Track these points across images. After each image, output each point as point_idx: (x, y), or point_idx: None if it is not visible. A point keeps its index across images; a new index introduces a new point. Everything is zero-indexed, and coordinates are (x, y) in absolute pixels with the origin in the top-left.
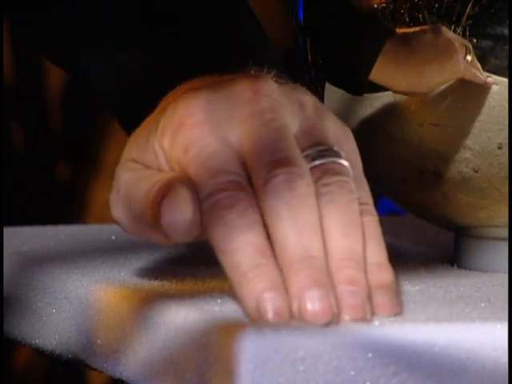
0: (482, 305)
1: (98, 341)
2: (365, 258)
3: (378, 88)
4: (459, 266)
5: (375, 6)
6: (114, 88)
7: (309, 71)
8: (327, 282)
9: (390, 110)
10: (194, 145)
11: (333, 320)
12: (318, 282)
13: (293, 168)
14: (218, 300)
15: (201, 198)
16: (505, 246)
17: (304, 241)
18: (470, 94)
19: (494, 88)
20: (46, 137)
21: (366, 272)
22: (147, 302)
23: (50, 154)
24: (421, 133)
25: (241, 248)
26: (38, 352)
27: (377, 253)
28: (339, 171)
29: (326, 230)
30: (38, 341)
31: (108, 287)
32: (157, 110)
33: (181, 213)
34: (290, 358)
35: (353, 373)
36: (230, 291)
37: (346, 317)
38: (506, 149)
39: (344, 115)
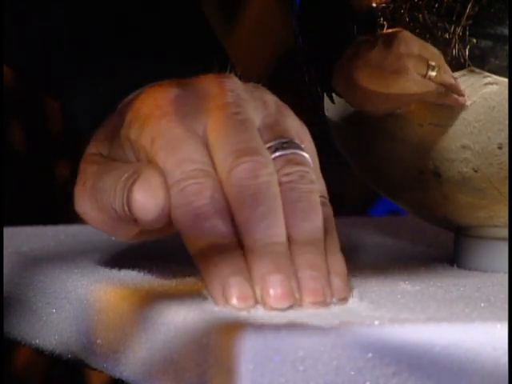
0: (482, 305)
1: (98, 341)
2: (324, 244)
3: None
4: (459, 266)
5: (375, 5)
6: (89, 115)
7: (309, 71)
8: (289, 266)
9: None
10: (161, 135)
11: (294, 304)
12: (280, 267)
13: (256, 157)
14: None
15: (169, 186)
16: (505, 246)
17: (266, 227)
18: (469, 93)
19: (494, 88)
20: (46, 137)
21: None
22: (147, 302)
23: (49, 154)
24: (421, 133)
25: (207, 234)
26: (38, 352)
27: (332, 241)
28: (300, 162)
29: (288, 217)
30: (37, 341)
31: (108, 287)
32: (121, 106)
33: (152, 197)
34: (290, 358)
35: (353, 373)
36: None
37: (307, 300)
38: (505, 149)
39: (344, 115)
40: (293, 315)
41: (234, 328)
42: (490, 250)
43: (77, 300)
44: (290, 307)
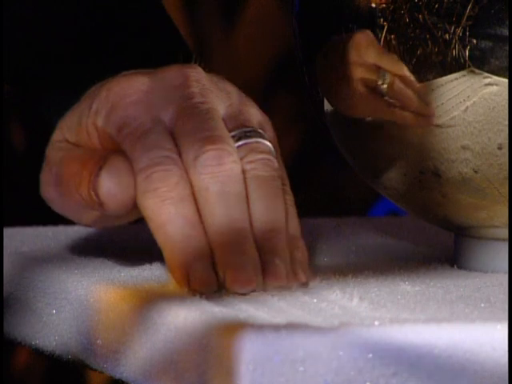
0: (482, 305)
1: (98, 341)
2: (286, 229)
3: None
4: (459, 267)
5: (375, 6)
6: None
7: (308, 71)
8: (253, 251)
9: None
10: (128, 123)
11: (258, 288)
12: (244, 252)
13: (221, 145)
14: (218, 300)
15: (135, 172)
16: (505, 247)
17: (231, 213)
18: (469, 94)
19: (494, 88)
20: (46, 137)
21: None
22: (147, 301)
23: None
24: (421, 133)
25: (172, 219)
26: (38, 352)
27: (294, 227)
28: (263, 150)
29: (252, 203)
30: (38, 341)
31: (108, 287)
32: (87, 94)
33: (119, 183)
34: (290, 358)
35: (353, 373)
36: (229, 292)
37: (270, 284)
38: (505, 149)
39: (344, 115)
40: (293, 315)
41: (234, 328)
42: (490, 250)
43: (77, 300)
44: (253, 291)
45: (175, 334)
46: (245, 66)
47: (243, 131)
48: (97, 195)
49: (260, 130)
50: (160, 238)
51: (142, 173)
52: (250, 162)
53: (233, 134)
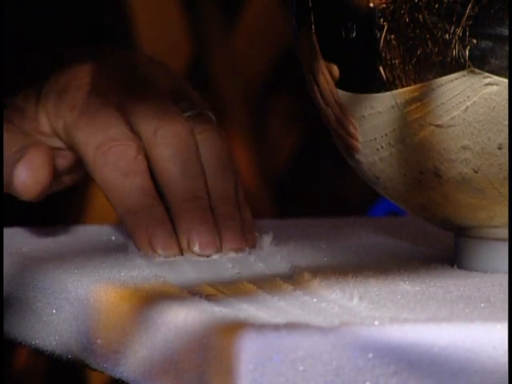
0: (482, 305)
1: (98, 341)
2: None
3: (377, 88)
4: (459, 267)
5: (375, 6)
6: None
7: (308, 71)
8: (211, 218)
9: (390, 110)
10: (80, 104)
11: (217, 251)
12: (204, 219)
13: (177, 119)
14: (218, 300)
15: (92, 148)
16: (505, 247)
17: (190, 182)
18: (469, 94)
19: (494, 88)
20: None
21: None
22: (147, 301)
23: None
24: (421, 133)
25: (132, 191)
26: (38, 352)
27: (241, 194)
28: (209, 120)
29: (206, 172)
30: (37, 341)
31: (108, 287)
32: (34, 87)
33: (33, 176)
34: (290, 358)
35: (353, 373)
36: (230, 291)
37: (227, 247)
38: (505, 149)
39: (344, 116)
40: (293, 314)
41: (234, 328)
42: (490, 250)
43: (77, 300)
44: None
45: (175, 334)
46: (245, 66)
47: (189, 104)
48: (13, 185)
49: (201, 104)
50: (121, 209)
51: (100, 148)
52: (199, 132)
53: (180, 106)
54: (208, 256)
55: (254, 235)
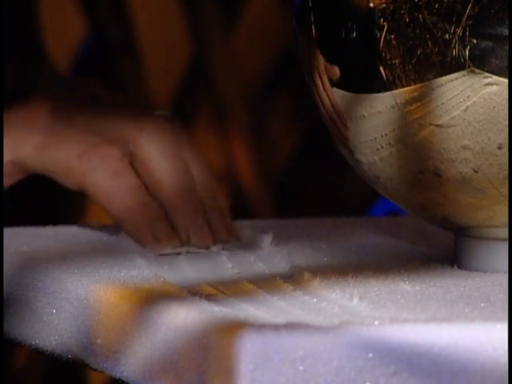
0: (482, 305)
1: (98, 341)
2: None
3: (377, 88)
4: (459, 266)
5: (375, 6)
6: None
7: (308, 71)
8: (203, 211)
9: (390, 110)
10: (48, 125)
11: (214, 243)
12: (198, 212)
13: (154, 118)
14: (218, 300)
15: (74, 159)
16: (505, 246)
17: (181, 178)
18: (469, 93)
19: (494, 88)
20: None
21: None
22: (147, 301)
23: None
24: (421, 133)
25: (126, 190)
26: (38, 352)
27: (221, 192)
28: (173, 119)
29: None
30: (37, 341)
31: (108, 287)
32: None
33: None
34: (290, 358)
35: (353, 373)
36: (230, 291)
37: (221, 239)
38: (505, 149)
39: (344, 116)
40: (293, 314)
41: (234, 328)
42: (490, 250)
43: (77, 300)
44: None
45: (175, 334)
46: (245, 66)
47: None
48: None
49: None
50: (117, 208)
51: (83, 156)
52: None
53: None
54: (207, 248)
55: (234, 226)
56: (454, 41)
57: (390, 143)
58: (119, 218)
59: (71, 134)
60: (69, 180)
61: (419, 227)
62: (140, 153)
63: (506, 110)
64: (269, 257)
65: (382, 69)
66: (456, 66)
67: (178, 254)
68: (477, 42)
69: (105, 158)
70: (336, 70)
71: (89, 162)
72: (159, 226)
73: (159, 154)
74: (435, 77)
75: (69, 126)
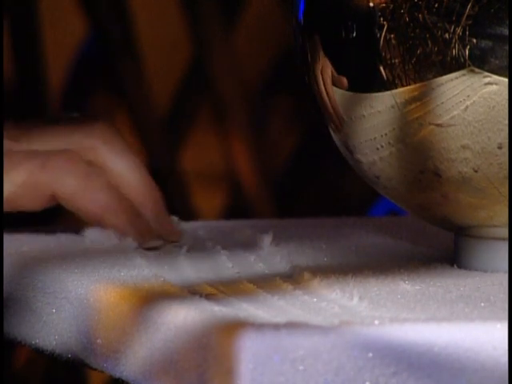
0: (482, 304)
1: (98, 341)
2: None
3: (377, 88)
4: (459, 266)
5: (375, 5)
6: None
7: (308, 71)
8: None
9: (389, 110)
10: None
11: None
12: (163, 210)
13: (108, 129)
14: (218, 299)
15: (38, 169)
16: (505, 246)
17: (145, 180)
18: (469, 93)
19: (494, 88)
20: None
21: None
22: (147, 301)
23: None
24: (421, 132)
25: (102, 189)
26: (38, 352)
27: None
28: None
29: None
30: (37, 341)
31: (108, 287)
32: None
33: None
34: (290, 358)
35: (353, 373)
36: (230, 291)
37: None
38: (505, 149)
39: (344, 115)
40: (293, 314)
41: (233, 328)
42: (490, 249)
43: (77, 300)
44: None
45: (175, 334)
46: (245, 66)
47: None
48: None
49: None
50: (94, 208)
51: (46, 164)
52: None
53: None
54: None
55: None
56: (453, 40)
57: (389, 143)
58: (98, 216)
59: (19, 153)
60: (37, 196)
61: (419, 227)
62: (108, 161)
63: (506, 110)
64: (269, 257)
65: (381, 68)
66: (456, 65)
67: (157, 248)
68: (477, 42)
69: (70, 161)
70: (336, 70)
71: (55, 169)
72: (139, 220)
73: (117, 157)
74: (435, 76)
75: (14, 143)
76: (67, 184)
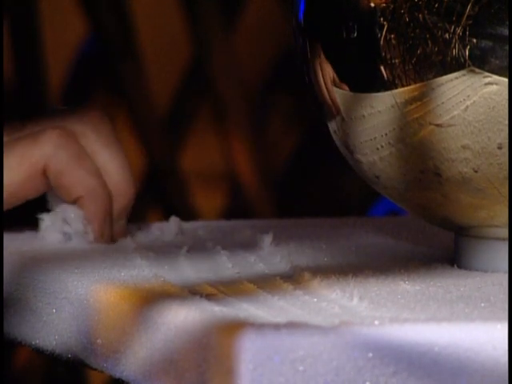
0: (482, 305)
1: (98, 341)
2: None
3: (377, 88)
4: (459, 266)
5: (375, 5)
6: None
7: (308, 71)
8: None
9: (389, 110)
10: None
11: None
12: (128, 208)
13: (90, 111)
14: (218, 300)
15: (33, 139)
16: (505, 246)
17: (124, 175)
18: (469, 93)
19: (494, 88)
20: None
21: None
22: (147, 301)
23: None
24: (421, 132)
25: (88, 174)
26: (38, 352)
27: None
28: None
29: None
30: (37, 341)
31: (108, 287)
32: None
33: None
34: (290, 358)
35: (353, 372)
36: (230, 291)
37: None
38: (505, 149)
39: (344, 115)
40: (293, 314)
41: (234, 328)
42: (490, 250)
43: (77, 300)
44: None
45: (175, 334)
46: (245, 66)
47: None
48: None
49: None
50: (79, 190)
51: (45, 134)
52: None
53: None
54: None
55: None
56: (453, 40)
57: (389, 143)
58: (78, 197)
59: (13, 139)
60: (33, 175)
61: (419, 227)
62: (95, 150)
63: (506, 110)
64: (269, 257)
65: (382, 68)
66: (456, 65)
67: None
68: (477, 42)
69: (63, 137)
70: (336, 70)
71: (47, 143)
72: (110, 217)
73: (102, 146)
74: (435, 76)
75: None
76: (59, 158)
